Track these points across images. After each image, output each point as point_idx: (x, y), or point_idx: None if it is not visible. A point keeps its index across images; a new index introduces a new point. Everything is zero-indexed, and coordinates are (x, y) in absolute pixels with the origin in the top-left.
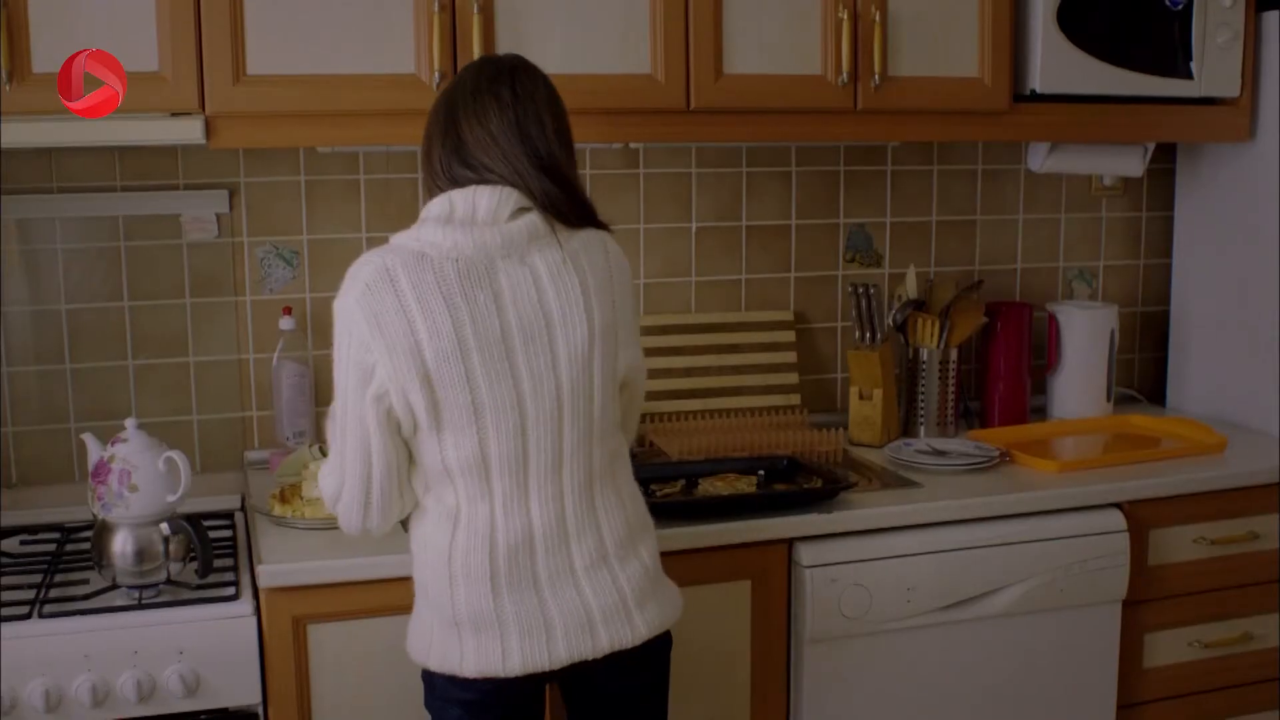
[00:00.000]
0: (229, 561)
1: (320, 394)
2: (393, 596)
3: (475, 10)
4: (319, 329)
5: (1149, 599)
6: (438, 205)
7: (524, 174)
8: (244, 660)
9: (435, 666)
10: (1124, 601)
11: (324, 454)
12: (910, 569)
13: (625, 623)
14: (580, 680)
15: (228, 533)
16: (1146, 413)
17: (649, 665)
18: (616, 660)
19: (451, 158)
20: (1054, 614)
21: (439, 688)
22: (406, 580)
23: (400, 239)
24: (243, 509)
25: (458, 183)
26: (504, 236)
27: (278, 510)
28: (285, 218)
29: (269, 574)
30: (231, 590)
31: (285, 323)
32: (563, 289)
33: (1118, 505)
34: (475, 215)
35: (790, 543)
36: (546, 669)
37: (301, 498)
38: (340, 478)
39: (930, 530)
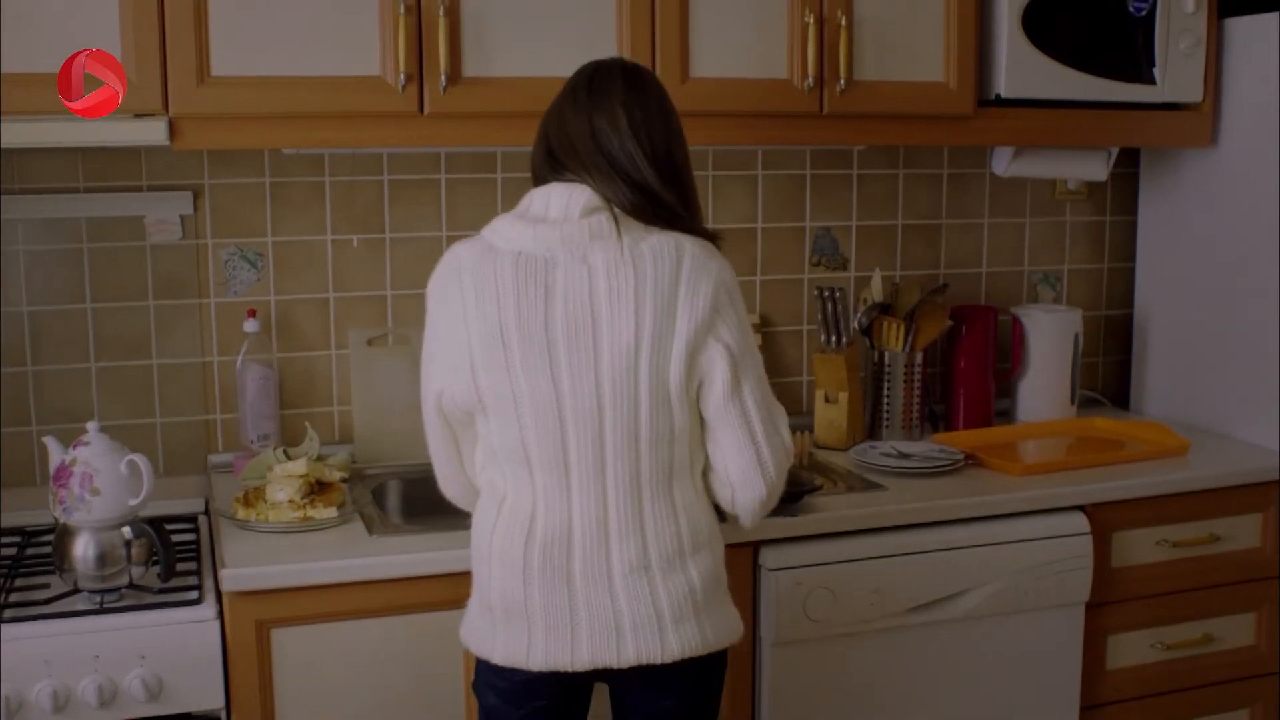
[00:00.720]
0: (192, 565)
1: (285, 396)
2: (356, 600)
3: (441, 13)
4: (284, 331)
5: (1112, 601)
6: (522, 201)
7: (597, 172)
8: (207, 665)
9: (474, 650)
10: (1087, 604)
11: (288, 456)
12: (875, 572)
13: (656, 637)
14: (618, 690)
15: (191, 536)
16: (1110, 416)
17: (687, 688)
18: (648, 675)
19: (542, 159)
20: (1018, 616)
21: (480, 671)
22: (372, 583)
23: (485, 230)
24: (206, 512)
25: (547, 181)
26: (566, 234)
27: (241, 514)
28: (250, 220)
29: (232, 578)
30: (194, 594)
31: (250, 325)
32: (615, 289)
33: (1081, 508)
34: (548, 212)
35: (755, 546)
36: (569, 668)
37: (265, 501)
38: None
39: (895, 533)
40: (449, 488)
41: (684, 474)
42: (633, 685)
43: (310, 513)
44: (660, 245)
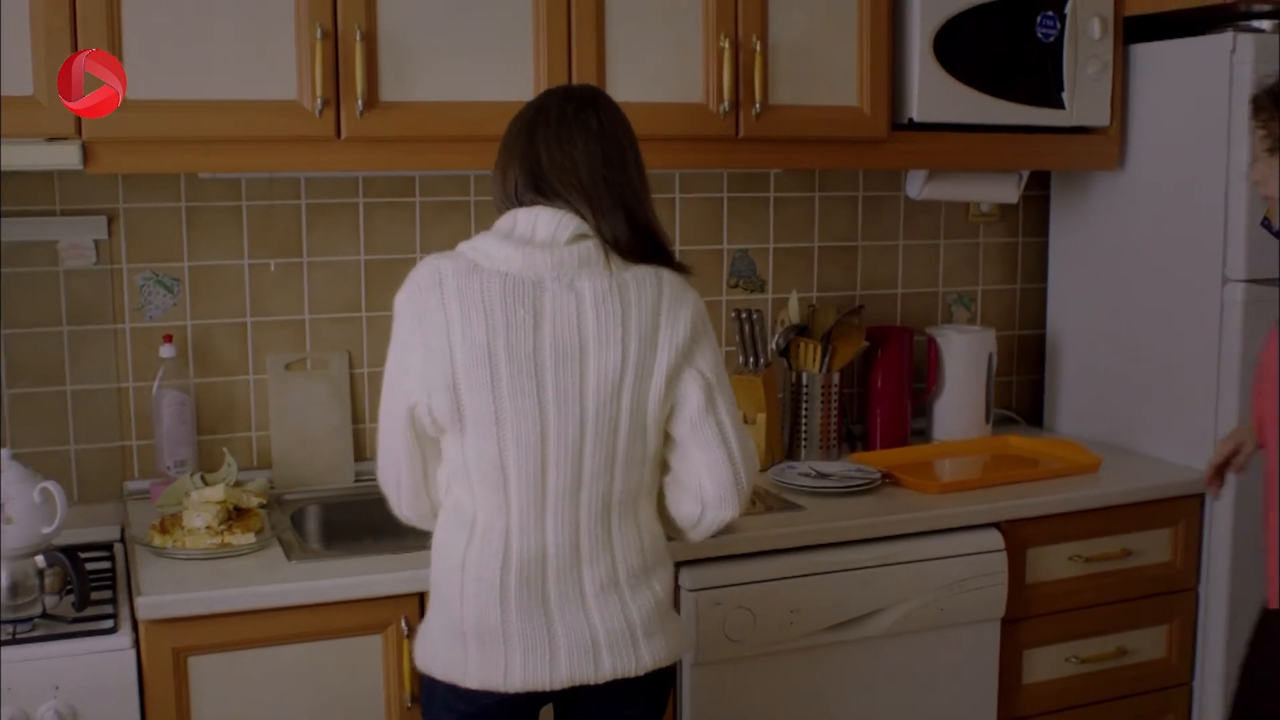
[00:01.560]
0: (107, 594)
1: (202, 422)
2: (275, 627)
3: (358, 38)
4: (200, 356)
5: (1027, 616)
6: (504, 221)
7: (576, 197)
8: (123, 694)
9: (439, 675)
10: (1003, 619)
11: (205, 483)
12: (794, 591)
13: (630, 651)
14: (579, 704)
15: (106, 564)
16: (1024, 434)
17: (649, 697)
18: (618, 688)
19: (526, 181)
20: (935, 633)
21: (439, 696)
22: (290, 610)
23: (463, 247)
24: (122, 540)
25: (523, 205)
26: (555, 259)
27: (158, 541)
28: (166, 244)
29: (148, 605)
30: (109, 623)
31: (166, 350)
32: (603, 317)
33: (996, 525)
34: (534, 235)
35: (675, 567)
36: (547, 688)
37: (182, 527)
38: (383, 465)
39: (814, 552)
40: (414, 506)
41: (648, 494)
42: (600, 700)
43: (228, 539)
44: (643, 276)
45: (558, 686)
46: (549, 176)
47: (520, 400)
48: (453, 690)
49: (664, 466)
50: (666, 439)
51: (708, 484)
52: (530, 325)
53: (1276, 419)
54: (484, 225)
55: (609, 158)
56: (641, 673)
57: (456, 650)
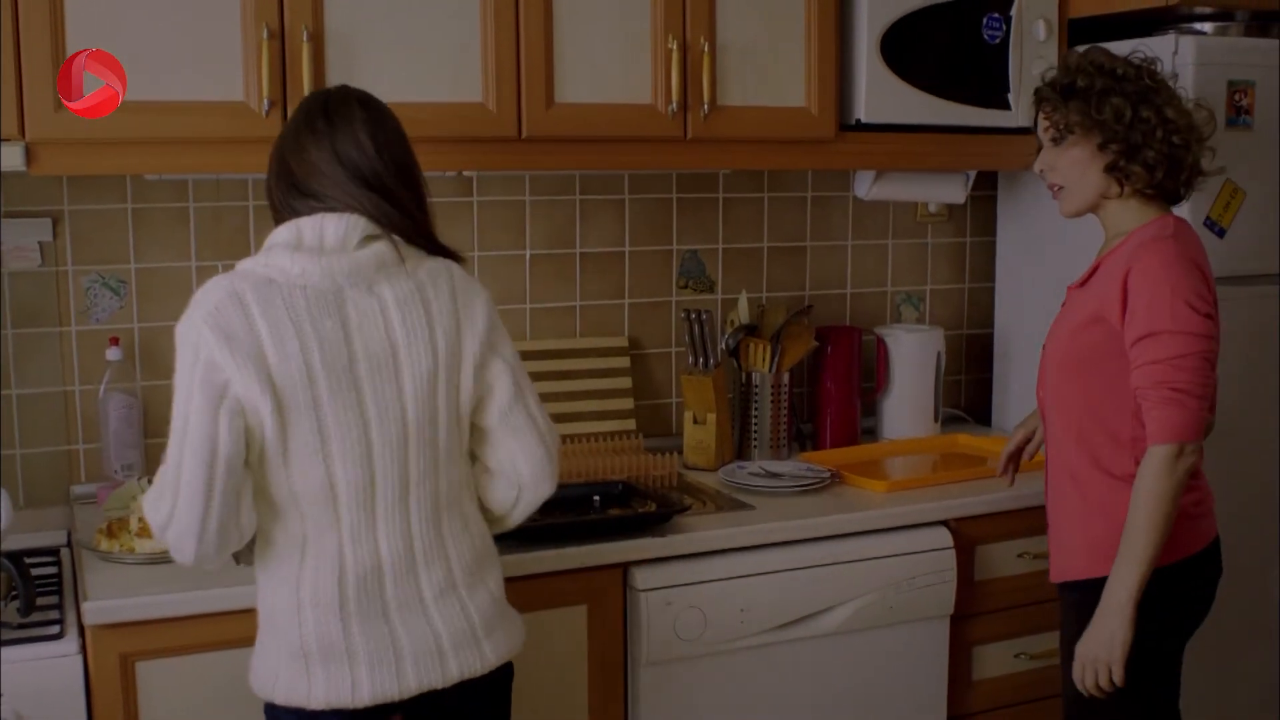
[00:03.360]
0: (53, 599)
1: (150, 425)
2: (224, 631)
3: (305, 38)
4: (148, 359)
5: (976, 613)
6: (285, 231)
7: (354, 196)
8: (69, 701)
9: (281, 700)
10: (952, 616)
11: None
12: (744, 590)
13: (475, 651)
14: (428, 710)
15: (53, 569)
16: (972, 432)
17: (494, 694)
18: (465, 689)
19: (286, 191)
20: (885, 630)
21: (283, 718)
22: (238, 614)
23: (247, 265)
24: (69, 545)
25: (299, 213)
26: (351, 264)
27: (105, 545)
28: (112, 246)
29: (95, 610)
30: (56, 629)
31: (112, 353)
32: (409, 319)
33: (945, 523)
34: (323, 242)
35: (625, 567)
36: (396, 698)
37: (130, 532)
38: (172, 502)
39: (763, 551)
40: (219, 540)
41: (467, 488)
42: (449, 702)
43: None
44: (435, 270)
45: (407, 696)
46: (303, 183)
47: (343, 414)
48: (299, 714)
49: (469, 457)
50: (471, 430)
51: (524, 467)
52: (341, 337)
53: (1049, 404)
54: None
55: (342, 153)
56: (487, 670)
57: (298, 673)
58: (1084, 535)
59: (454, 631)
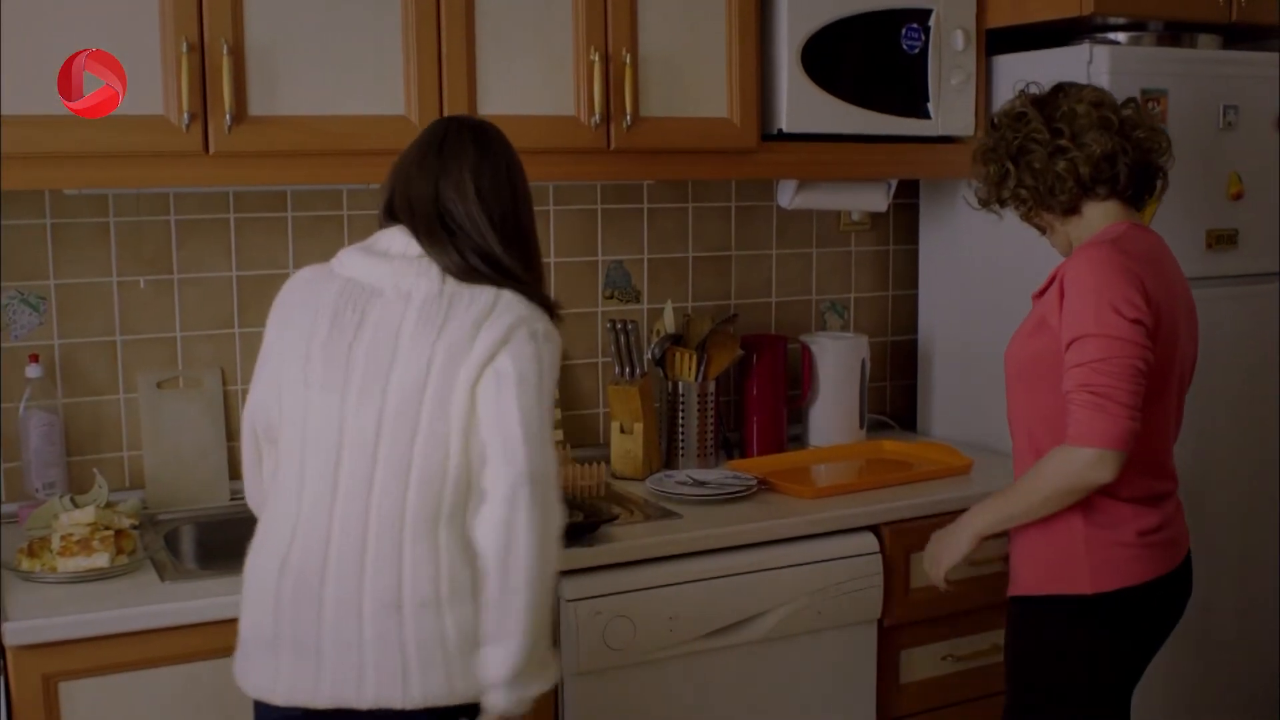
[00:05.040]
0: None
1: (71, 443)
2: (149, 649)
3: (225, 51)
4: (68, 376)
5: (904, 618)
6: (372, 237)
7: (423, 231)
8: None
9: (236, 680)
10: (880, 620)
11: (75, 504)
12: (673, 598)
13: (399, 682)
14: None
15: None
16: (898, 438)
17: None
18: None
19: (384, 210)
20: (813, 636)
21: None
22: (163, 632)
23: (334, 259)
24: None
25: (384, 226)
26: (398, 267)
27: (26, 565)
28: (30, 262)
29: (15, 631)
30: None
31: (32, 370)
32: (422, 321)
33: (872, 528)
34: (390, 249)
35: (558, 575)
36: (310, 705)
37: (51, 550)
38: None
39: (691, 559)
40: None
41: (452, 519)
42: None
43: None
44: (480, 291)
45: (320, 705)
46: (398, 213)
47: (325, 396)
48: (255, 700)
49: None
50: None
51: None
52: (351, 326)
53: (1009, 415)
54: (357, 239)
55: (443, 192)
56: (410, 707)
57: (243, 656)
58: (1027, 552)
59: (381, 653)
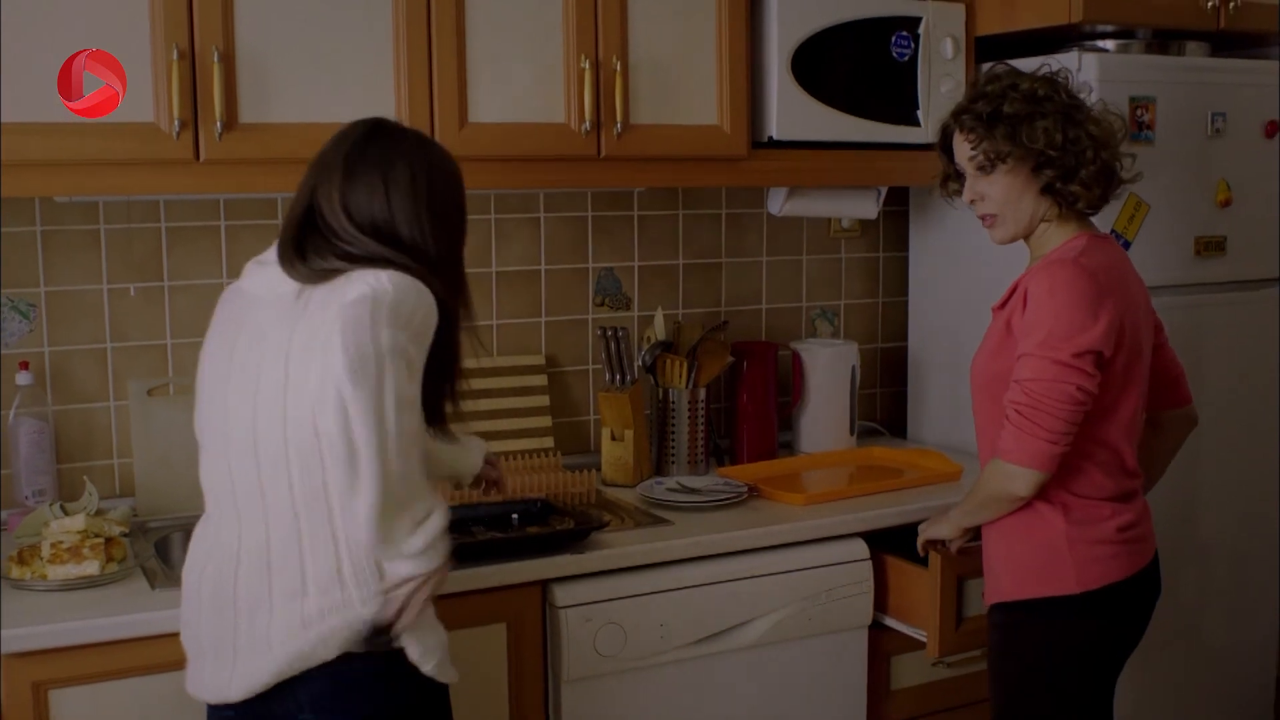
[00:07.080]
0: None
1: (61, 450)
2: (140, 656)
3: (215, 58)
4: (59, 383)
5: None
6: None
7: (282, 244)
8: None
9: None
10: (870, 627)
11: (65, 512)
12: (664, 605)
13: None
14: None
15: None
16: (888, 445)
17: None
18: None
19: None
20: (804, 642)
21: None
22: (152, 639)
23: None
24: None
25: None
26: (267, 274)
27: (16, 573)
28: (21, 269)
29: (6, 639)
30: None
31: (22, 378)
32: (282, 320)
33: (862, 535)
34: (266, 258)
35: (544, 584)
36: (229, 699)
37: (41, 558)
38: None
39: (682, 566)
40: None
41: (347, 505)
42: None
43: (90, 569)
44: (347, 281)
45: (236, 698)
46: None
47: (213, 403)
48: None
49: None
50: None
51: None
52: (234, 334)
53: (977, 427)
54: None
55: (316, 203)
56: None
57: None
58: (1006, 558)
59: (286, 638)
